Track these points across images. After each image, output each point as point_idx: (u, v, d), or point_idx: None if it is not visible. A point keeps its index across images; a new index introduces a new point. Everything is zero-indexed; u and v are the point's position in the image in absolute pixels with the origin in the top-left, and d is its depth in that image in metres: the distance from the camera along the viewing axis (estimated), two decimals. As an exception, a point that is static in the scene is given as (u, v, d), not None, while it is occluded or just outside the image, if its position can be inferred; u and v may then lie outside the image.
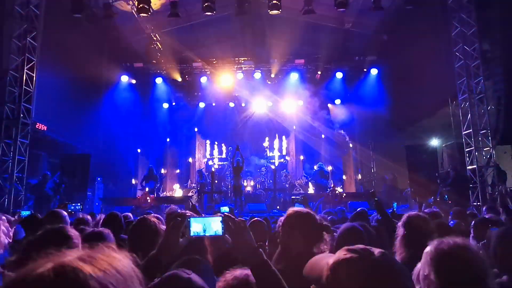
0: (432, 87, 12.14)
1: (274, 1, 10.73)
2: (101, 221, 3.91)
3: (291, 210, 2.22)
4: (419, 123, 14.08)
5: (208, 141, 17.39)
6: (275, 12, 10.93)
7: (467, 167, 11.02)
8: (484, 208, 6.93)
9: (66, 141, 13.46)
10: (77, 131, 13.26)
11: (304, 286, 1.15)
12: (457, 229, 4.06)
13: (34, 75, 10.61)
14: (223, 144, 17.08)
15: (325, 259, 1.09)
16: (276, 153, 16.68)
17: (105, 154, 14.42)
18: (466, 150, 11.11)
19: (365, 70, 15.95)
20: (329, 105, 16.87)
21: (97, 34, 13.39)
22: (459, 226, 4.16)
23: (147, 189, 13.10)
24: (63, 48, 11.08)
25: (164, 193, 15.24)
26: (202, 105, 17.23)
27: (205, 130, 17.39)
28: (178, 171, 16.94)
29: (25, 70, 10.34)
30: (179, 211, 3.08)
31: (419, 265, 1.50)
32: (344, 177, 16.27)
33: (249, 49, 15.83)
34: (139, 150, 16.22)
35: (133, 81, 16.17)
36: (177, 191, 15.23)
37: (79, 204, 5.59)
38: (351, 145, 16.43)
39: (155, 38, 14.96)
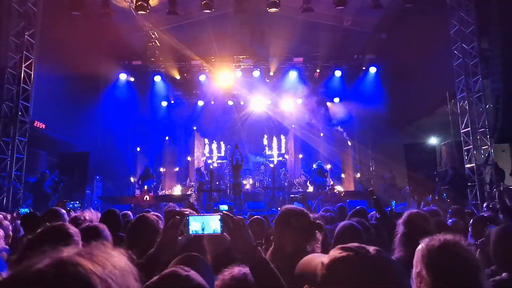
0: (430, 86, 12.16)
1: (273, -1, 10.71)
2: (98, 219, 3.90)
3: (283, 208, 2.22)
4: (417, 121, 14.11)
5: (206, 140, 17.38)
6: (273, 10, 10.91)
7: (466, 166, 11.05)
8: (484, 205, 6.96)
9: (65, 139, 13.44)
10: (75, 129, 13.24)
11: (297, 285, 1.16)
12: (456, 227, 4.07)
13: (32, 73, 10.57)
14: (222, 142, 17.07)
15: (318, 259, 1.09)
16: (275, 152, 16.69)
17: (104, 152, 14.40)
18: (465, 148, 11.14)
19: (364, 68, 15.95)
20: (328, 104, 16.88)
21: (95, 32, 13.32)
22: (458, 225, 4.17)
23: (145, 187, 13.09)
24: (61, 46, 11.04)
25: (163, 191, 15.24)
26: (200, 103, 17.20)
27: (204, 129, 17.37)
28: (177, 169, 16.92)
29: (23, 68, 10.30)
30: (177, 209, 3.07)
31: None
32: (343, 175, 16.29)
33: (247, 47, 15.79)
34: (138, 149, 16.20)
35: (132, 79, 16.11)
36: (177, 190, 15.23)
37: (77, 202, 5.58)
38: (349, 144, 16.44)
39: (153, 36, 14.92)
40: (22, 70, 10.29)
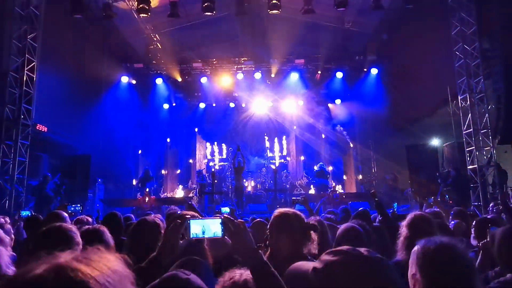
0: (432, 87, 12.14)
1: (274, 1, 10.71)
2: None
3: (276, 212, 2.19)
4: (419, 122, 14.07)
5: (208, 142, 17.40)
6: (274, 11, 10.92)
7: (468, 167, 11.01)
8: (491, 204, 6.93)
9: (67, 142, 13.46)
10: (77, 132, 13.26)
11: None
12: (458, 229, 4.05)
13: (35, 76, 10.61)
14: (223, 145, 17.08)
15: (307, 265, 1.10)
16: (276, 154, 16.68)
17: (106, 155, 14.41)
18: (467, 149, 11.10)
19: (365, 69, 15.94)
20: (329, 105, 16.88)
21: (97, 35, 13.41)
22: (460, 226, 4.15)
23: (147, 189, 13.10)
24: (63, 49, 11.10)
25: (165, 193, 15.24)
26: (202, 105, 17.23)
27: (206, 131, 17.40)
28: (178, 171, 16.94)
29: (25, 71, 10.34)
30: (179, 212, 3.07)
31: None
32: (344, 177, 16.26)
33: (249, 49, 15.82)
34: (140, 152, 16.22)
35: (133, 82, 16.17)
36: (179, 192, 15.23)
37: (79, 205, 5.57)
38: (351, 145, 16.42)
39: (155, 39, 14.97)
40: (25, 73, 10.32)
